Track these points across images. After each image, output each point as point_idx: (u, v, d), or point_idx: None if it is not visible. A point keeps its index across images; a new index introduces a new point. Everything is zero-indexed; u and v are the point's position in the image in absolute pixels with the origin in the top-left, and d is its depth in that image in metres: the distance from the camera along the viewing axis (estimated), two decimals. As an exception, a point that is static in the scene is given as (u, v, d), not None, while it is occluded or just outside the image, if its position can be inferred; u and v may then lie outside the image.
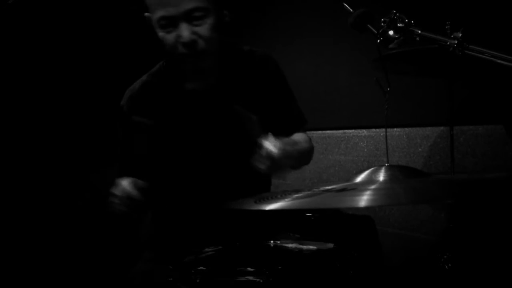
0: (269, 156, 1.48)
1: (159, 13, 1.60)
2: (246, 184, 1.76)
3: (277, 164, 1.49)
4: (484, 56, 1.22)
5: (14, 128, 2.52)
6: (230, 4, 1.75)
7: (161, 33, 1.63)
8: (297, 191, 1.26)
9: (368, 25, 1.34)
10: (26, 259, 2.45)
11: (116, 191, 1.57)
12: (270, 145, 1.49)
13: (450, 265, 1.72)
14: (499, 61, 1.20)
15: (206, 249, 1.43)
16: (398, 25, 1.29)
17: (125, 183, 1.57)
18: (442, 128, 2.36)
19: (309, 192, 1.26)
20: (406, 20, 1.29)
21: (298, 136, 1.82)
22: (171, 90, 1.78)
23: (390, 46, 1.32)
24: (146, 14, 1.66)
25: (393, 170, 1.24)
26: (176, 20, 1.60)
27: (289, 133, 1.77)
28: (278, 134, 1.63)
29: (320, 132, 2.80)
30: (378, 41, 1.31)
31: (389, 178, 1.21)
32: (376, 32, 1.31)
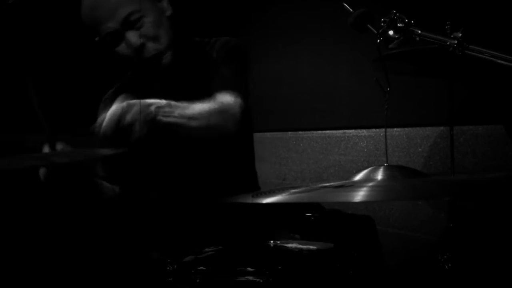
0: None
1: (102, 31, 1.66)
2: (226, 178, 1.77)
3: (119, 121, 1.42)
4: (484, 56, 1.22)
5: (14, 127, 2.52)
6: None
7: (116, 49, 1.68)
8: (294, 188, 1.27)
9: (368, 25, 1.34)
10: (27, 258, 2.45)
11: None
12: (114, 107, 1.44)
13: (450, 265, 1.72)
14: (499, 61, 1.21)
15: (206, 249, 1.43)
16: (398, 25, 1.29)
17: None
18: (442, 128, 2.36)
19: (307, 187, 1.26)
20: (406, 20, 1.29)
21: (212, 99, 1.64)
22: (143, 92, 1.79)
23: (390, 46, 1.32)
24: (97, 39, 1.71)
25: (391, 170, 1.24)
26: (119, 32, 1.65)
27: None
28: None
29: (320, 132, 2.80)
30: (378, 41, 1.31)
31: (387, 178, 1.21)
32: (376, 32, 1.31)
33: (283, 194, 1.20)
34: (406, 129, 2.49)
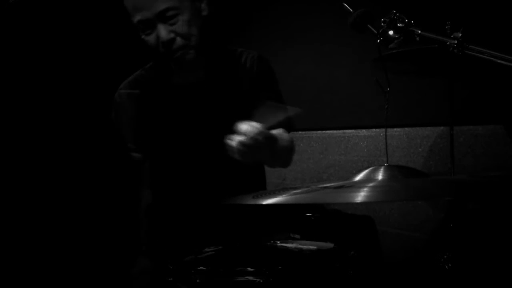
0: (244, 141, 1.44)
1: (136, 17, 1.69)
2: (238, 178, 1.77)
3: (252, 149, 1.45)
4: (484, 56, 1.22)
5: (14, 128, 2.53)
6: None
7: (142, 36, 1.72)
8: (295, 188, 1.27)
9: (368, 25, 1.34)
10: (25, 258, 2.45)
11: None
12: (248, 126, 1.45)
13: (450, 265, 1.73)
14: (499, 61, 1.21)
15: (206, 249, 1.43)
16: (398, 25, 1.29)
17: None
18: (442, 128, 2.36)
19: (307, 188, 1.26)
20: (406, 20, 1.29)
21: (281, 133, 1.79)
22: (161, 85, 1.84)
23: (390, 46, 1.32)
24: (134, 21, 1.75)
25: (392, 170, 1.24)
26: (152, 22, 1.68)
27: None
28: None
29: (320, 132, 2.80)
30: (378, 41, 1.31)
31: (388, 178, 1.21)
32: (376, 32, 1.31)
33: (284, 195, 1.20)
34: (406, 129, 2.49)
